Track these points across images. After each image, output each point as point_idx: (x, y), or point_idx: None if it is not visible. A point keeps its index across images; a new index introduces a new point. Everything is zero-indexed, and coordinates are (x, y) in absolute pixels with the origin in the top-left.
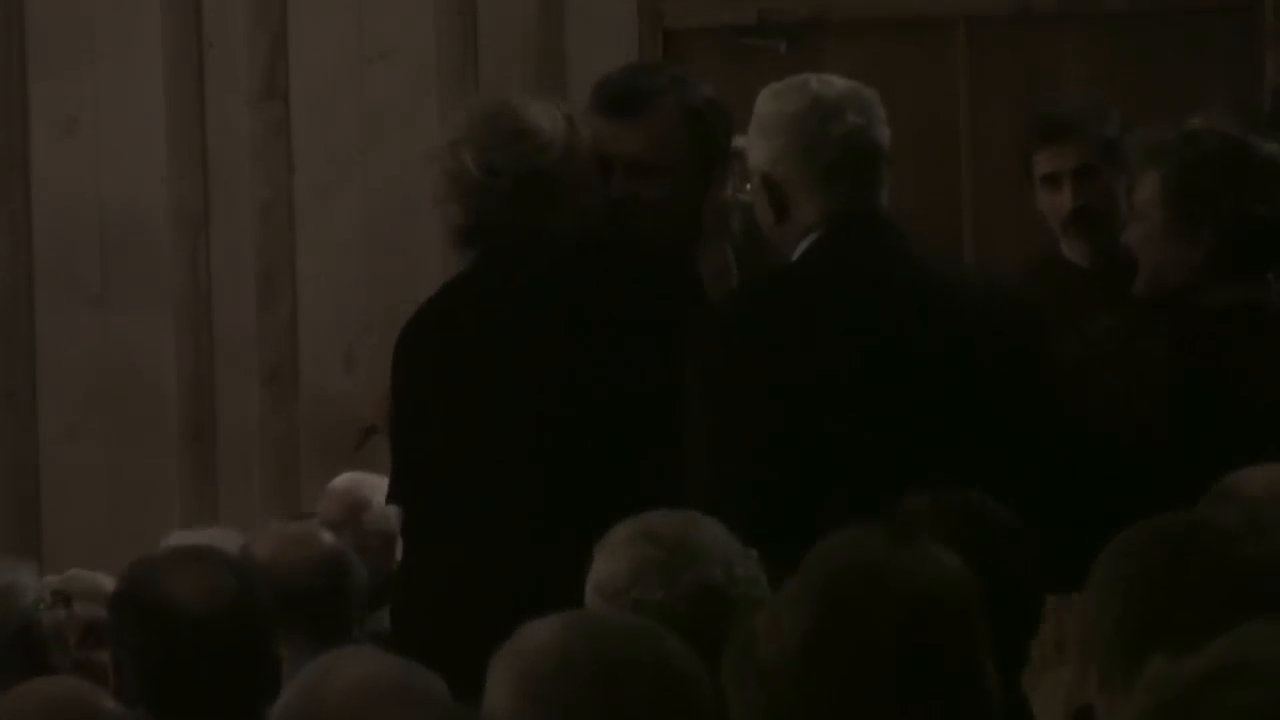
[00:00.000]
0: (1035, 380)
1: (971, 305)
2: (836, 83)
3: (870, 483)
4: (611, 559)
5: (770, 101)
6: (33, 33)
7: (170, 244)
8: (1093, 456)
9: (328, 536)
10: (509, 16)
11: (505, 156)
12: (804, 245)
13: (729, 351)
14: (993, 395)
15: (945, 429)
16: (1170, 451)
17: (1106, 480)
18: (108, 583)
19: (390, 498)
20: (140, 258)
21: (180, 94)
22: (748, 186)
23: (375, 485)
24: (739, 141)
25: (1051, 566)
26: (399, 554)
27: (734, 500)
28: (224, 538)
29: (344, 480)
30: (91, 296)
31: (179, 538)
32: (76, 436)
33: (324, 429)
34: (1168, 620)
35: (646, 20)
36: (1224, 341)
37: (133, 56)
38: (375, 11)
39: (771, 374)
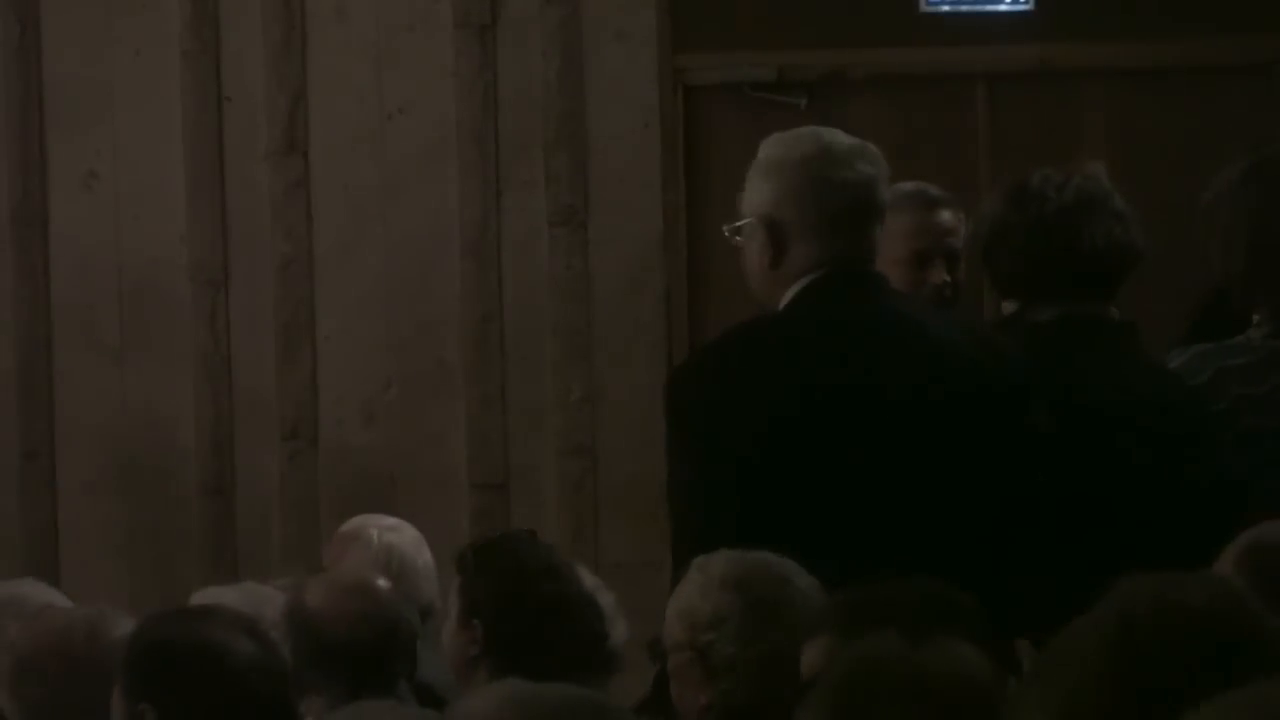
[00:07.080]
0: (1014, 427)
1: (951, 355)
2: (843, 136)
3: (848, 529)
4: (700, 595)
5: (775, 147)
6: (52, 87)
7: (189, 299)
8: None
9: (382, 587)
10: (529, 72)
11: None
12: (796, 289)
13: (709, 394)
14: (969, 443)
15: (921, 479)
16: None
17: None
18: None
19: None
20: (159, 313)
21: (199, 150)
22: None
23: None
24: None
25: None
26: None
27: (713, 544)
28: (254, 592)
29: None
30: (110, 352)
31: (210, 595)
32: (95, 492)
33: (343, 484)
34: (1151, 682)
35: (667, 76)
36: (1062, 347)
37: (152, 112)
38: (395, 67)
39: (749, 418)
